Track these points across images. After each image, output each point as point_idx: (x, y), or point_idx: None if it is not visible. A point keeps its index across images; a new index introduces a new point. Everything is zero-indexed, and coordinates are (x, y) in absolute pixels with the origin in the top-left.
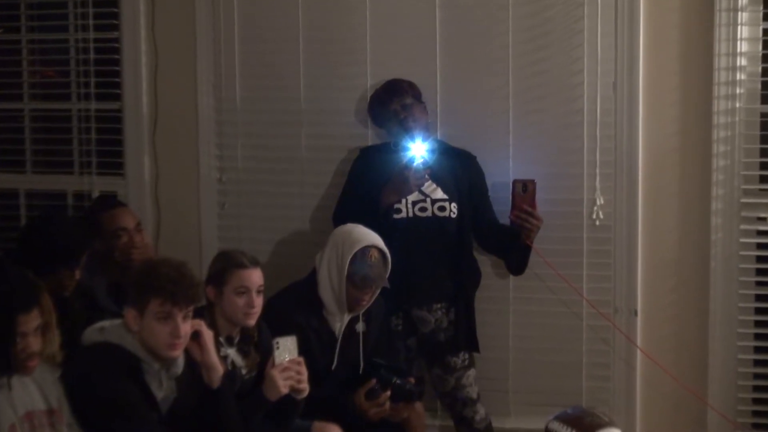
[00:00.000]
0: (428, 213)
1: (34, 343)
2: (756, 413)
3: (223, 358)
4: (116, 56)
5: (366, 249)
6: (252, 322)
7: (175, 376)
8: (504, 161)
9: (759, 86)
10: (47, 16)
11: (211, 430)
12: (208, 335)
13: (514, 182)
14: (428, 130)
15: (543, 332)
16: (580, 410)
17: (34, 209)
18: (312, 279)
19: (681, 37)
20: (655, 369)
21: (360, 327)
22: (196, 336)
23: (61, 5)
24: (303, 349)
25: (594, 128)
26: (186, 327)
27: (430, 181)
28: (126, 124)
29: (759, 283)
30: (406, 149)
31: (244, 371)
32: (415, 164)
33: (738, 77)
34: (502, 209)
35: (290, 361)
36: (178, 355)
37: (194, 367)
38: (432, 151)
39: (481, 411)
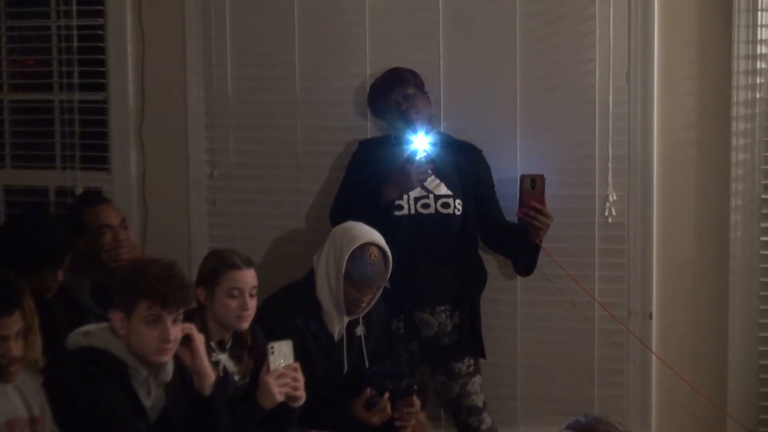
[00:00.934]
0: (431, 210)
1: (16, 348)
2: None
3: (215, 364)
4: (101, 44)
5: (365, 246)
6: (245, 325)
7: (164, 383)
8: (511, 155)
9: None
10: (27, 2)
11: None
12: (199, 340)
13: (522, 177)
14: (431, 123)
15: (552, 336)
16: (594, 419)
17: (13, 206)
18: (309, 280)
19: (697, 24)
20: (671, 376)
21: (360, 330)
22: (186, 340)
23: None
24: (299, 354)
25: (606, 120)
26: (176, 331)
27: (433, 176)
28: (111, 115)
29: None
30: (407, 142)
31: (236, 378)
32: (417, 158)
33: (758, 66)
34: (510, 206)
35: (286, 366)
36: (168, 360)
37: (184, 373)
38: (435, 145)
39: (487, 420)
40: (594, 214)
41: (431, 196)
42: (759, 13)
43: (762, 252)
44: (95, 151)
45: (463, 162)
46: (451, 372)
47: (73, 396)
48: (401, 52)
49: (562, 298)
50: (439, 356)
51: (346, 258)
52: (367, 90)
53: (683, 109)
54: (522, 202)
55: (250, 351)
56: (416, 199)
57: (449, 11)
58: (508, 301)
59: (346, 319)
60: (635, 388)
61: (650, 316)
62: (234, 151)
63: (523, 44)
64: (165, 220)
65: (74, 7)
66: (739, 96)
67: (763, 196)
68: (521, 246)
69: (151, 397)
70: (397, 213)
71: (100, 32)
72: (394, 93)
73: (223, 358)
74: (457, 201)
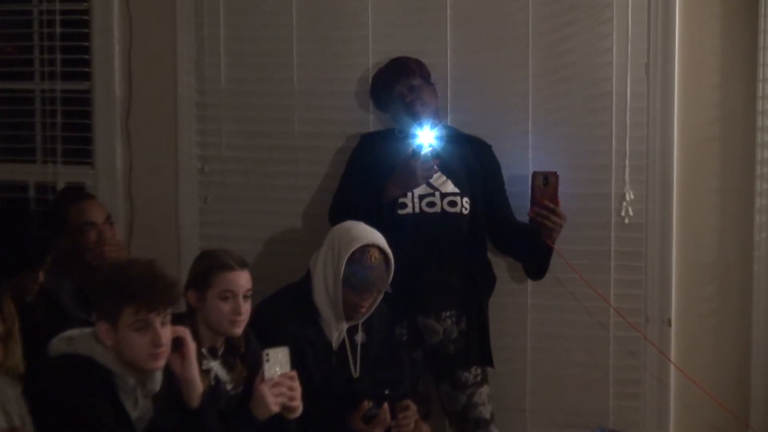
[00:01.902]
0: (437, 208)
1: None
2: None
3: (206, 372)
4: (85, 30)
5: (365, 248)
6: (238, 330)
7: (152, 394)
8: (523, 151)
9: None
10: None
11: None
12: (191, 345)
13: (534, 175)
14: (438, 116)
15: (565, 344)
16: None
17: None
18: (306, 283)
19: (722, 12)
20: (690, 387)
21: (360, 337)
22: (178, 345)
23: None
24: (296, 362)
25: (623, 114)
26: (166, 333)
27: (439, 173)
28: (96, 106)
29: None
30: (412, 136)
31: (229, 386)
32: (422, 153)
33: None
34: (521, 205)
35: (282, 375)
36: (162, 365)
37: (173, 383)
38: (441, 139)
39: None
40: (610, 214)
41: (437, 193)
42: None
43: None
44: (78, 144)
45: (471, 158)
46: (457, 382)
47: (56, 406)
48: (406, 40)
49: (575, 304)
50: (445, 365)
51: (345, 261)
52: (370, 81)
53: (706, 103)
54: (534, 201)
55: (244, 358)
56: (421, 197)
57: None
58: (518, 307)
59: (345, 326)
60: (652, 400)
61: (669, 323)
62: (227, 144)
63: (535, 33)
64: (152, 218)
65: None
66: (765, 89)
67: None
68: (532, 248)
69: (138, 408)
70: (400, 212)
71: (84, 17)
72: (399, 84)
73: (215, 365)
74: (465, 199)
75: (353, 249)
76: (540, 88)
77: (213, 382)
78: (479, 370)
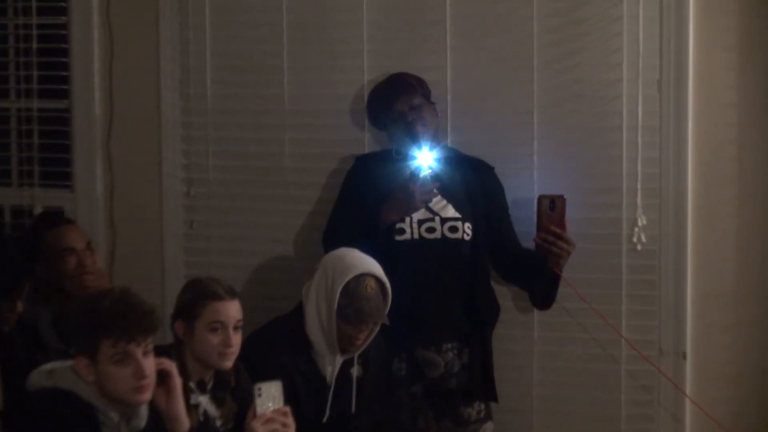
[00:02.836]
0: (437, 234)
1: None
2: None
3: (194, 407)
4: (63, 45)
5: (361, 277)
6: (228, 363)
7: (137, 430)
8: (528, 173)
9: None
10: None
11: None
12: (177, 378)
13: (540, 198)
14: (437, 136)
15: (574, 378)
16: None
17: None
18: (298, 313)
19: (738, 24)
20: (707, 423)
21: (355, 371)
22: (163, 379)
23: None
24: (289, 397)
25: (635, 134)
26: (149, 364)
27: (439, 197)
28: (75, 126)
29: None
30: (410, 158)
31: (218, 423)
32: (421, 176)
33: None
34: (526, 231)
35: (275, 411)
36: (148, 398)
37: (159, 419)
38: (441, 161)
39: None
40: (621, 240)
41: (437, 218)
42: None
43: None
44: (57, 165)
45: (472, 180)
46: (459, 418)
47: None
48: (403, 55)
49: (584, 335)
50: (446, 400)
51: (339, 291)
52: (365, 98)
53: (722, 121)
54: (540, 226)
55: (234, 393)
56: (420, 222)
57: (458, 10)
58: (523, 338)
59: (339, 359)
60: None
61: (684, 356)
62: (214, 166)
63: (540, 48)
64: (135, 244)
65: (34, 4)
66: None
67: None
68: (538, 276)
69: None
70: (398, 238)
71: (62, 31)
72: (399, 102)
73: (204, 400)
74: (467, 224)
75: (348, 278)
76: (546, 106)
77: (201, 418)
78: (482, 406)
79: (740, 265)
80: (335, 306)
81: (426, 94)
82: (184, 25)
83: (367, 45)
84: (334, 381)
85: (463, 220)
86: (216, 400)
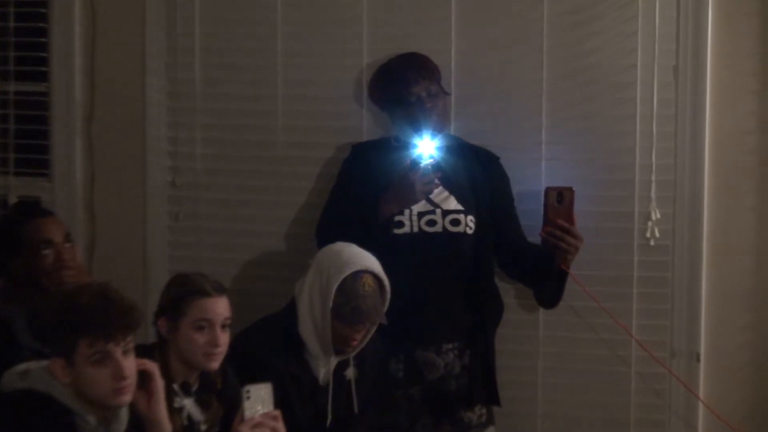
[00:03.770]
0: (438, 227)
1: None
2: None
3: (178, 411)
4: (42, 24)
5: (358, 274)
6: (215, 364)
7: None
8: (535, 163)
9: None
10: None
11: None
12: (159, 381)
13: (547, 190)
14: (443, 124)
15: (580, 381)
16: None
17: None
18: (290, 312)
19: (761, 8)
20: (722, 429)
21: (350, 373)
22: (144, 381)
23: None
24: (279, 400)
25: (649, 123)
26: (130, 364)
27: (440, 188)
28: (53, 110)
29: None
30: (411, 146)
31: (203, 427)
32: (422, 165)
33: None
34: (532, 224)
35: (264, 414)
36: (128, 401)
37: (140, 423)
38: (444, 150)
39: None
40: (633, 235)
41: (438, 211)
42: None
43: None
44: (33, 152)
45: (476, 171)
46: (459, 423)
47: None
48: (405, 39)
49: (592, 336)
50: (446, 404)
51: (335, 289)
52: (375, 71)
53: (741, 110)
54: (546, 220)
55: (220, 395)
56: (420, 215)
57: None
58: (528, 339)
59: (334, 360)
60: None
61: (698, 358)
62: (201, 155)
63: (551, 31)
64: (117, 237)
65: None
66: None
67: None
68: (545, 272)
69: None
70: (397, 231)
71: (41, 9)
72: (419, 86)
73: (188, 403)
74: (469, 217)
75: (344, 275)
76: (555, 93)
77: (185, 423)
78: (484, 410)
79: (758, 261)
80: (330, 305)
81: (439, 80)
82: (171, 4)
83: (366, 27)
84: (331, 383)
85: (466, 212)
86: (201, 403)
